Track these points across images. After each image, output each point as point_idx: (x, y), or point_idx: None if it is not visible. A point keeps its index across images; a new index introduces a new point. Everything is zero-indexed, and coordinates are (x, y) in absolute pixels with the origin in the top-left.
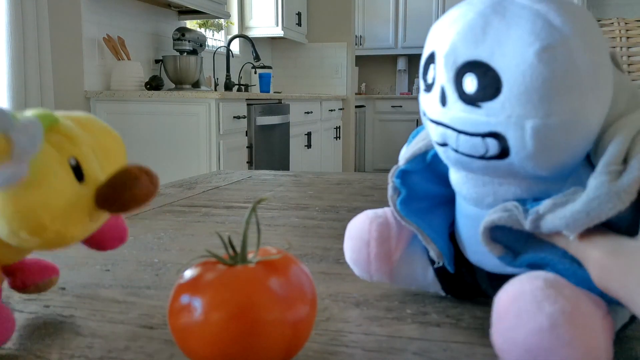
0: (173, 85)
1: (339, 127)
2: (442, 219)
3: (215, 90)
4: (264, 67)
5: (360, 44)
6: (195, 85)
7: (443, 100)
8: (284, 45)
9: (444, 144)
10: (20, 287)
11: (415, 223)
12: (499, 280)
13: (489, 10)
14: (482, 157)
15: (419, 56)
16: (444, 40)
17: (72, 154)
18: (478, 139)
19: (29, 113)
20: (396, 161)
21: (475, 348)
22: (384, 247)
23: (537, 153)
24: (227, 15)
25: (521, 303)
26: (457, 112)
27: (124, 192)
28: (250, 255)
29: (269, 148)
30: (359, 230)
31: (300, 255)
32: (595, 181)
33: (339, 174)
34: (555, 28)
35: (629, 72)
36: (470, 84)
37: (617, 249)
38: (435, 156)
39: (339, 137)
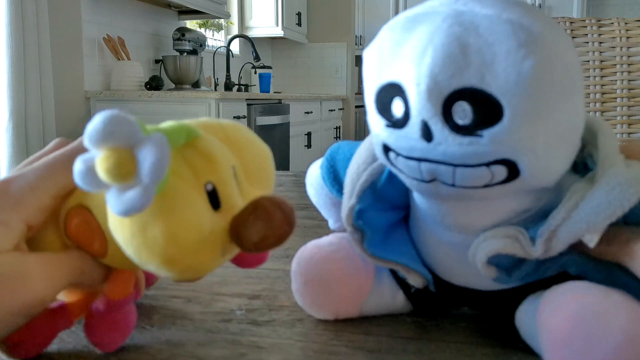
0: (173, 85)
1: (339, 127)
2: (406, 243)
3: (215, 90)
4: (264, 67)
5: (360, 44)
6: (195, 85)
7: (427, 136)
8: (284, 45)
9: (432, 180)
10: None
11: (393, 259)
12: (485, 296)
13: (457, 29)
14: (486, 186)
15: None
16: (415, 71)
17: (209, 178)
18: (482, 169)
19: (167, 125)
20: None
21: (475, 348)
22: (353, 284)
23: (550, 165)
24: (227, 15)
25: (585, 324)
26: (451, 146)
27: (254, 233)
28: None
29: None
30: (319, 271)
31: None
32: (611, 170)
33: None
34: (540, 36)
35: (629, 72)
36: (463, 113)
37: None
38: (384, 185)
39: (339, 137)
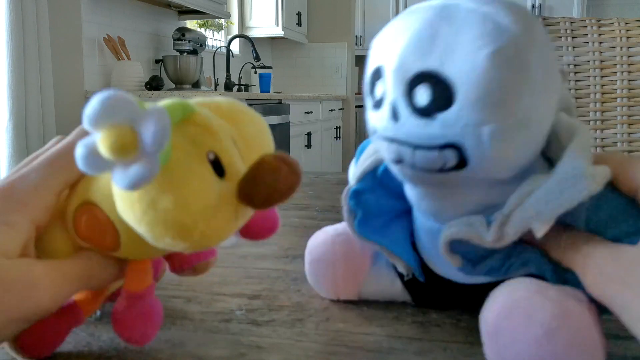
0: (173, 86)
1: (339, 127)
2: (402, 232)
3: (216, 90)
4: (264, 67)
5: (360, 44)
6: (196, 85)
7: (395, 116)
8: (284, 45)
9: (399, 161)
10: (178, 270)
11: (378, 242)
12: (468, 291)
13: (435, 18)
14: (440, 170)
15: None
16: (391, 54)
17: (210, 148)
18: (435, 152)
19: (163, 102)
20: None
21: (475, 348)
22: (351, 266)
23: (496, 157)
24: (227, 15)
25: (510, 318)
26: (411, 126)
27: (263, 188)
28: None
29: None
30: (322, 252)
31: (301, 255)
32: (570, 162)
33: (339, 174)
34: (504, 29)
35: (629, 72)
36: (423, 96)
37: (618, 256)
38: (385, 171)
39: (339, 137)
